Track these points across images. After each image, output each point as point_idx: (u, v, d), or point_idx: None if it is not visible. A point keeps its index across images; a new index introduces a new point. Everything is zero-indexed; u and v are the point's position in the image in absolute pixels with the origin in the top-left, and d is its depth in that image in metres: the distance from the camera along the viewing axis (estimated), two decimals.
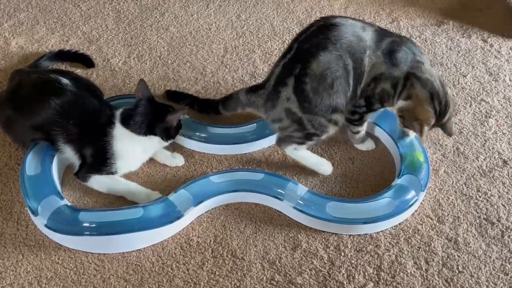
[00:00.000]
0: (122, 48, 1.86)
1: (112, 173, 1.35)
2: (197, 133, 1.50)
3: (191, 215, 1.31)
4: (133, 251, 1.26)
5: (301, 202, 1.31)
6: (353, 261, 1.26)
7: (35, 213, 1.26)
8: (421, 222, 1.35)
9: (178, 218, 1.28)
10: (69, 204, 1.29)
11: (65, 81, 1.40)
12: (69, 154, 1.37)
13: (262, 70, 1.79)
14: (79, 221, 1.23)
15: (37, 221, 1.28)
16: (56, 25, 1.95)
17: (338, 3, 2.13)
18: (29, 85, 1.43)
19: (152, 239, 1.27)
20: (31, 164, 1.34)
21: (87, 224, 1.23)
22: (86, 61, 1.77)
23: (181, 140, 1.51)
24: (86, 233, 1.23)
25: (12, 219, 1.32)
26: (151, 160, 1.47)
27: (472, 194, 1.43)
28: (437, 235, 1.32)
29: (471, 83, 1.78)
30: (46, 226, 1.24)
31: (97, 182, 1.35)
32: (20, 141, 1.45)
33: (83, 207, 1.33)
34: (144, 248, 1.27)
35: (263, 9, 2.08)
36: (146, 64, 1.80)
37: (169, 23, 1.98)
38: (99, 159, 1.34)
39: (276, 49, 1.89)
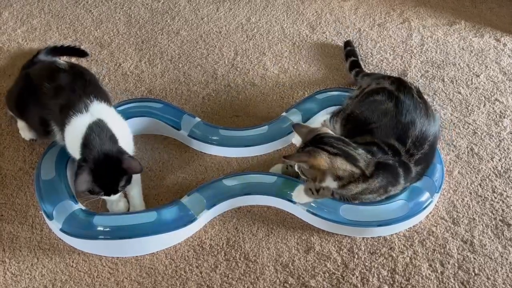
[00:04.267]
0: (134, 52, 1.87)
1: None
2: (209, 136, 1.50)
3: (204, 218, 1.31)
4: (147, 254, 1.27)
5: (314, 205, 1.31)
6: (367, 264, 1.25)
7: (50, 217, 1.27)
8: (435, 224, 1.33)
9: (192, 221, 1.28)
10: (83, 208, 1.30)
11: (63, 63, 1.44)
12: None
13: (273, 72, 1.79)
14: (93, 225, 1.24)
15: (52, 225, 1.29)
16: (69, 31, 1.96)
17: (349, 4, 2.12)
18: (37, 71, 1.47)
19: (166, 243, 1.28)
20: (45, 169, 1.35)
21: (101, 228, 1.24)
22: (79, 53, 1.82)
23: (193, 142, 1.51)
24: (100, 237, 1.24)
25: (27, 223, 1.33)
26: (163, 163, 1.48)
27: (488, 195, 1.41)
28: (452, 237, 1.30)
29: (484, 82, 1.76)
30: (61, 230, 1.25)
31: None
32: (35, 127, 1.46)
33: (97, 211, 1.33)
34: (158, 251, 1.27)
35: (273, 12, 2.08)
36: (157, 68, 1.81)
37: (180, 27, 1.99)
38: None
39: (286, 51, 1.88)
